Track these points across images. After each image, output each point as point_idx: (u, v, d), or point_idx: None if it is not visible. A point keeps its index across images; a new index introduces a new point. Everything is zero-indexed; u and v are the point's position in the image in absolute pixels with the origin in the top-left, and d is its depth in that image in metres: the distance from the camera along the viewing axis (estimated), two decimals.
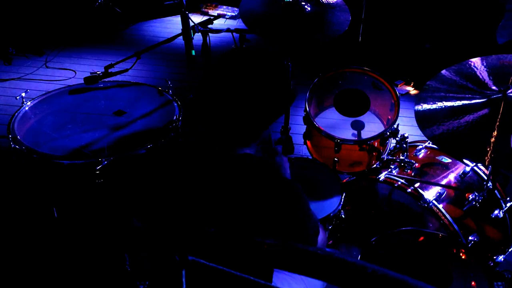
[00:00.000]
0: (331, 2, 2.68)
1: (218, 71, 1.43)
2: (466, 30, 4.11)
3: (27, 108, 2.34)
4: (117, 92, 2.52)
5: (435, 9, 4.19)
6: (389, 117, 2.56)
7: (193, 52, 2.53)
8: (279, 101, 1.45)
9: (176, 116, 2.31)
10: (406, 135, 2.31)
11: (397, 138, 2.36)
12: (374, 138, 2.40)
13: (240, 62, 1.43)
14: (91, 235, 2.37)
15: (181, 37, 2.66)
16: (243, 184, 1.39)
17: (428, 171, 2.28)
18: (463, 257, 1.89)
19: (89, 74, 2.53)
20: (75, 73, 4.32)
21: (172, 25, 5.36)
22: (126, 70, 2.73)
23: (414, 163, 2.26)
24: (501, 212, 2.05)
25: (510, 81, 1.77)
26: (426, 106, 1.88)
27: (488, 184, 2.04)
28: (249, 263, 0.75)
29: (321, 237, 1.57)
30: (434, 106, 1.87)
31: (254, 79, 1.40)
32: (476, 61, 1.98)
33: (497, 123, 1.71)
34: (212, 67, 1.45)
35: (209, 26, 2.62)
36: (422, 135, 1.83)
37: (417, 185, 2.14)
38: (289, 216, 1.38)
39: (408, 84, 4.22)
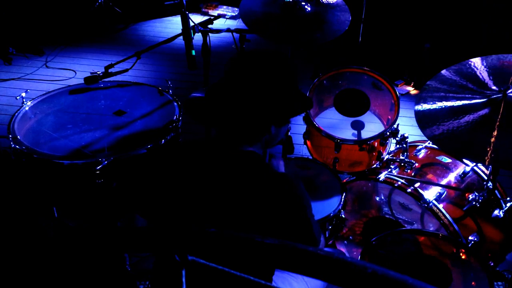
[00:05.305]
0: (331, 2, 2.68)
1: (227, 72, 1.46)
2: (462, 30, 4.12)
3: (27, 108, 2.34)
4: (117, 92, 2.52)
5: (435, 9, 4.20)
6: (389, 117, 2.56)
7: (193, 52, 2.52)
8: (285, 102, 1.47)
9: (176, 116, 2.31)
10: (406, 135, 2.30)
11: (397, 138, 2.36)
12: (374, 138, 2.40)
13: (248, 63, 1.45)
14: (91, 235, 2.37)
15: (181, 37, 2.65)
16: (247, 182, 1.39)
17: (428, 171, 2.28)
18: (463, 257, 1.89)
19: (89, 74, 2.53)
20: (75, 73, 4.32)
21: (172, 25, 5.36)
22: (126, 70, 2.73)
23: (414, 163, 2.26)
24: (501, 212, 2.05)
25: (510, 81, 1.77)
26: (426, 106, 1.88)
27: (488, 184, 2.04)
28: (249, 263, 0.75)
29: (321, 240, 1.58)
30: (434, 106, 1.87)
31: (261, 80, 1.42)
32: (476, 61, 1.98)
33: (497, 123, 1.71)
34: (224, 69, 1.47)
35: (209, 26, 2.61)
36: (422, 135, 1.83)
37: (417, 185, 2.14)
38: (294, 217, 1.39)
39: (408, 84, 4.22)
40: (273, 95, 1.42)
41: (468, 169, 2.23)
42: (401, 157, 2.29)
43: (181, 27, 2.62)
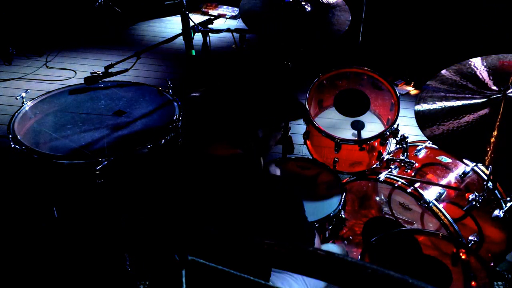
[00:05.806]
0: (331, 2, 2.68)
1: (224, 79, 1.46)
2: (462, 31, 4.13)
3: (27, 108, 2.34)
4: (117, 92, 2.52)
5: (435, 9, 4.20)
6: (389, 117, 2.56)
7: (193, 52, 2.53)
8: (273, 107, 1.47)
9: (176, 116, 2.31)
10: (406, 135, 2.31)
11: (397, 138, 2.36)
12: (374, 138, 2.40)
13: (243, 68, 1.46)
14: (91, 235, 2.38)
15: (181, 37, 2.66)
16: (243, 185, 1.39)
17: (428, 171, 2.28)
18: (463, 257, 1.89)
19: (89, 74, 2.53)
20: (75, 73, 4.32)
21: (172, 25, 5.36)
22: (126, 70, 2.73)
23: (414, 163, 2.26)
24: (501, 212, 2.05)
25: (510, 81, 1.77)
26: (426, 106, 1.88)
27: (488, 184, 2.04)
28: (249, 263, 0.75)
29: (316, 240, 1.58)
30: (434, 106, 1.87)
31: (252, 85, 1.42)
32: (476, 61, 1.98)
33: (497, 123, 1.71)
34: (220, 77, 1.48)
35: (209, 26, 2.62)
36: (422, 135, 1.83)
37: (417, 185, 2.14)
38: (285, 218, 1.39)
39: (408, 84, 4.22)
40: (260, 99, 1.42)
41: (468, 169, 2.23)
42: (401, 157, 2.29)
43: (181, 27, 2.62)
